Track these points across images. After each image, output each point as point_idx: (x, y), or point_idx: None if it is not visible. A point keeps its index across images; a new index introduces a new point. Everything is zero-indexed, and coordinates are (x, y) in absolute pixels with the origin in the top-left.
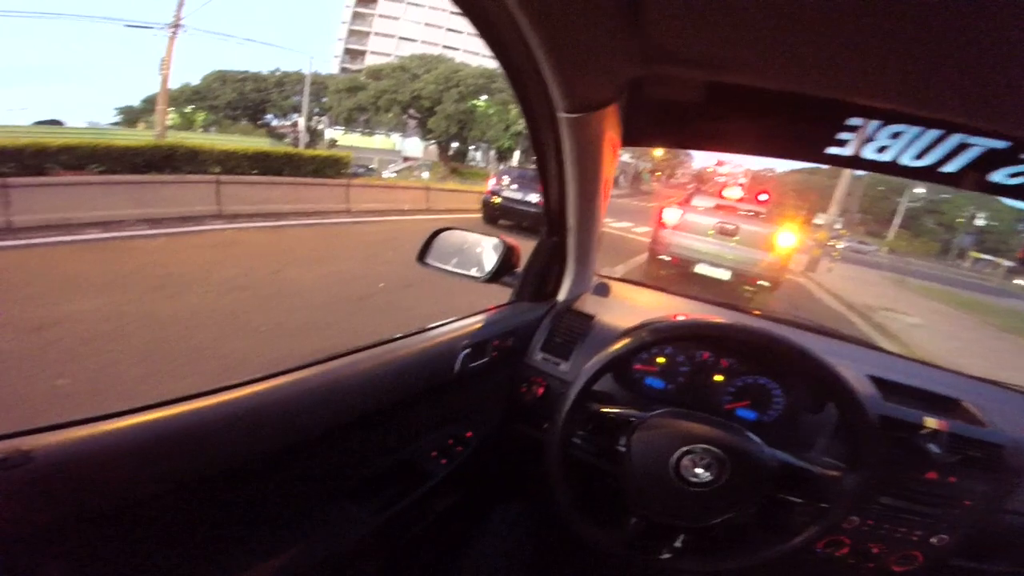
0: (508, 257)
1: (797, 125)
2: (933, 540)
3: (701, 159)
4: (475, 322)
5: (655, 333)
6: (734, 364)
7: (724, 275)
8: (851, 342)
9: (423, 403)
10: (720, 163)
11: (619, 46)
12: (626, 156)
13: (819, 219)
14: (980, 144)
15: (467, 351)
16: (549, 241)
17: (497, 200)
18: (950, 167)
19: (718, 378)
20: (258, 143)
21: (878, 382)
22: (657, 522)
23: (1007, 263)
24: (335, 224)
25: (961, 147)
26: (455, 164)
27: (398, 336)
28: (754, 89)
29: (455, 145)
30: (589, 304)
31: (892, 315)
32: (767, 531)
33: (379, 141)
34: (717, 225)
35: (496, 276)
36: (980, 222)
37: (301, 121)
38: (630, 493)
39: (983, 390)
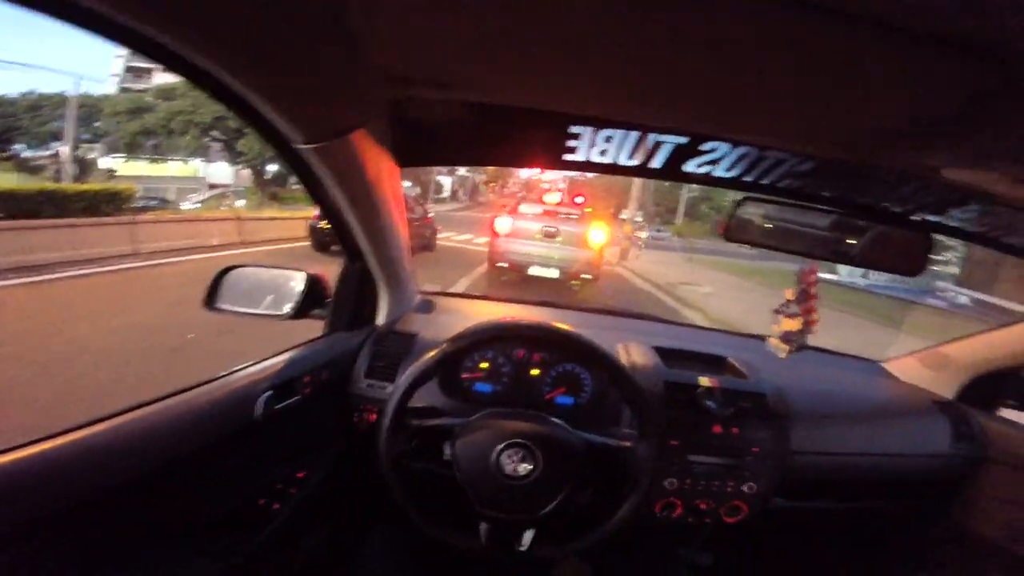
0: (314, 289)
1: (536, 137)
2: (745, 488)
3: (526, 169)
4: (280, 362)
5: (453, 343)
6: (546, 356)
7: (554, 274)
8: (643, 319)
9: (226, 453)
10: (542, 171)
11: (346, 74)
12: (463, 170)
13: (624, 214)
14: (670, 141)
15: (269, 393)
16: (353, 267)
17: (327, 225)
18: (655, 163)
19: (535, 372)
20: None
21: (663, 352)
22: (501, 519)
23: None
24: (124, 269)
25: (657, 145)
26: (275, 189)
27: (191, 386)
28: (496, 106)
29: (273, 168)
30: (412, 323)
31: (689, 288)
32: (604, 507)
33: (176, 168)
34: (542, 229)
35: (302, 311)
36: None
37: (64, 150)
38: (467, 496)
39: (750, 345)
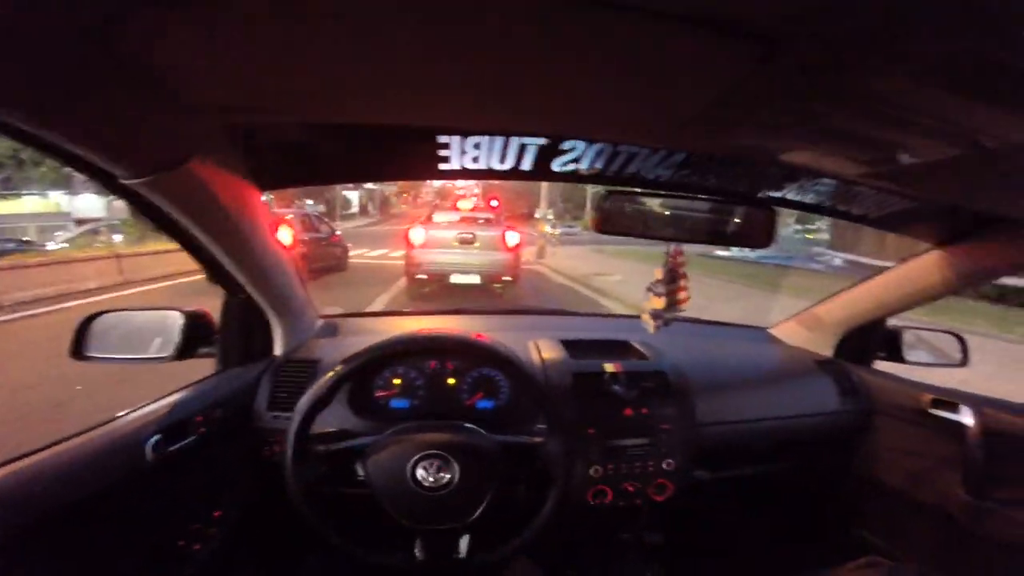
0: (195, 327)
1: (404, 150)
2: (664, 465)
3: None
4: (167, 404)
5: (347, 364)
6: (459, 364)
7: (475, 279)
8: (553, 314)
9: (120, 499)
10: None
11: (162, 108)
12: (371, 184)
13: (537, 214)
14: (532, 143)
15: (158, 436)
16: (234, 300)
17: None
18: (525, 165)
19: (451, 380)
20: None
21: (570, 343)
22: (431, 530)
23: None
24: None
25: (523, 147)
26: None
27: (69, 436)
28: (355, 125)
29: None
30: (314, 349)
31: (602, 278)
32: (533, 505)
33: (34, 204)
34: (458, 236)
35: (186, 351)
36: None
37: None
38: (389, 513)
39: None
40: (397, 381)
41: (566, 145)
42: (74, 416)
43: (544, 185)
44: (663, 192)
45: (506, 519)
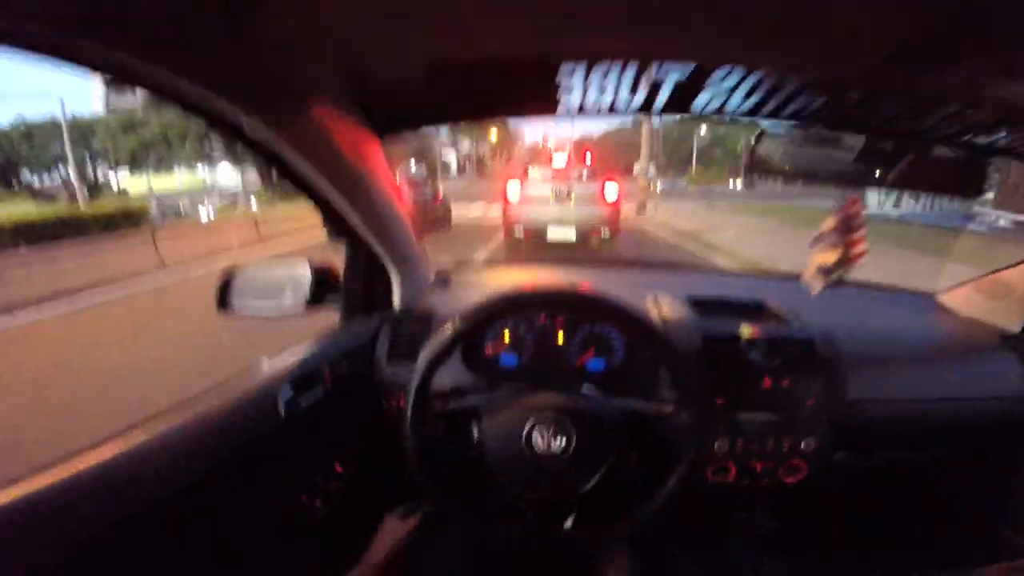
0: (323, 277)
1: (523, 84)
2: (803, 445)
3: (531, 134)
4: (296, 356)
5: (464, 319)
6: (570, 319)
7: (571, 234)
8: (671, 268)
9: (256, 454)
10: (546, 137)
11: (282, 45)
12: (466, 145)
13: (636, 169)
14: (675, 71)
15: (290, 392)
16: (355, 252)
17: None
18: (661, 98)
19: (561, 336)
20: (16, 210)
21: (696, 302)
22: (541, 500)
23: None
24: (155, 287)
25: (661, 77)
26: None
27: (206, 390)
28: (472, 61)
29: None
30: (430, 301)
31: (712, 234)
32: (650, 479)
33: (185, 179)
34: (553, 190)
35: (315, 301)
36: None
37: (71, 173)
38: (500, 479)
39: (788, 286)
40: (507, 336)
41: (718, 75)
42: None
43: (644, 138)
44: (836, 132)
45: (619, 493)
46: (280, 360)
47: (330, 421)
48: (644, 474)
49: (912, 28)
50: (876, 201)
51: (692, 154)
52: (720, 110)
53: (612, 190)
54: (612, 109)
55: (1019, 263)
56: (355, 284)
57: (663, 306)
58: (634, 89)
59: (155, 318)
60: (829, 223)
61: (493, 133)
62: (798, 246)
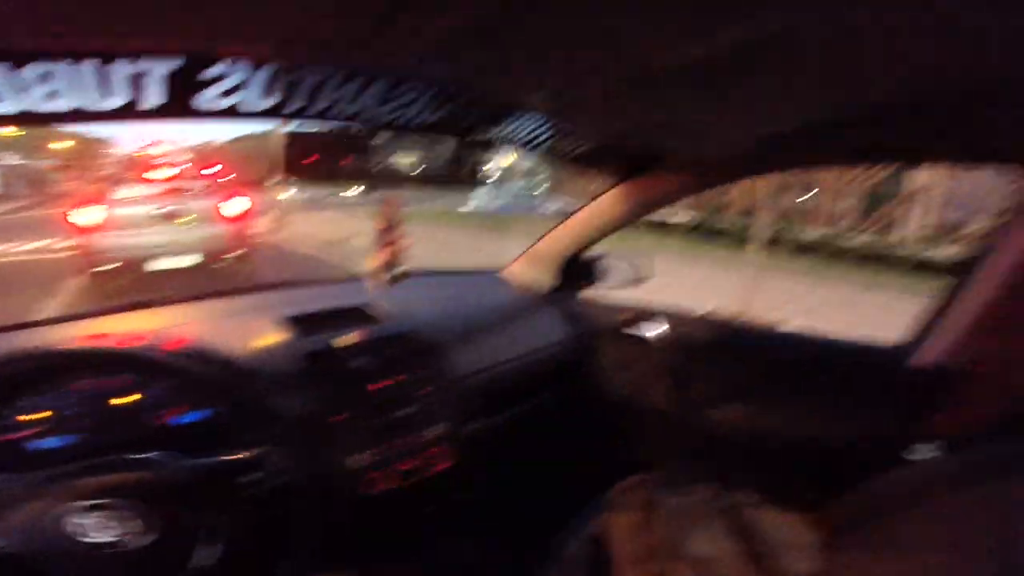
0: None
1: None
2: (437, 431)
3: (128, 142)
4: None
5: None
6: (135, 377)
7: (189, 261)
8: (270, 288)
9: None
10: (155, 143)
11: None
12: (16, 159)
13: (270, 179)
14: (157, 69)
15: None
16: None
17: None
18: (144, 102)
19: (125, 400)
20: None
21: (296, 320)
22: None
23: None
24: None
25: (138, 77)
26: None
27: None
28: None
29: None
30: None
31: (340, 243)
32: (286, 529)
33: None
34: (156, 211)
35: None
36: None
37: None
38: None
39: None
40: (45, 414)
41: (216, 70)
42: None
43: (273, 145)
44: (360, 130)
45: (256, 555)
46: None
47: None
48: (276, 525)
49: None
50: (485, 196)
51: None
52: (230, 113)
53: (236, 205)
54: (74, 116)
55: (543, 235)
56: None
57: (262, 331)
58: (104, 92)
59: None
60: (378, 224)
61: (61, 141)
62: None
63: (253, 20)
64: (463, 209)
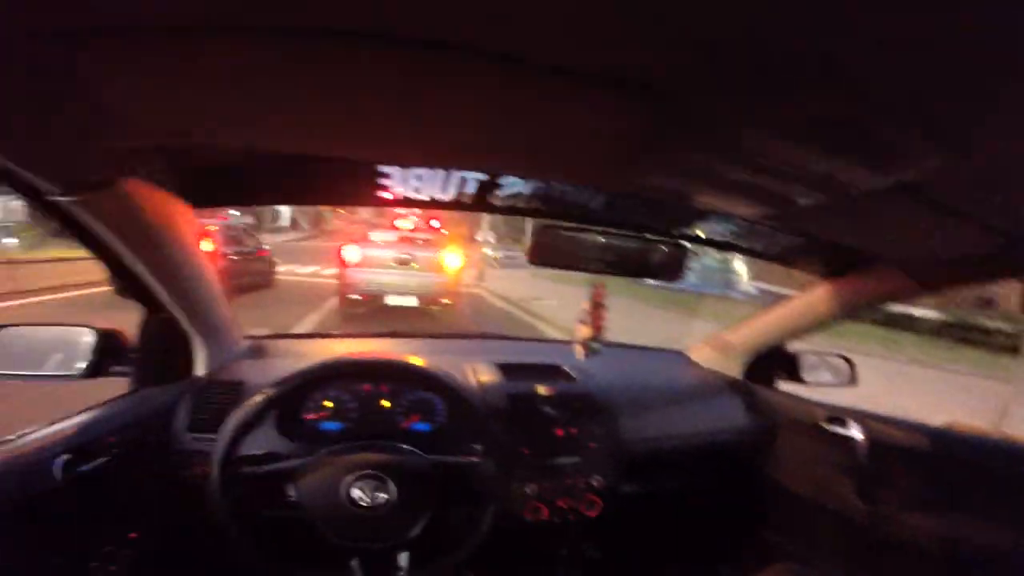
0: (108, 344)
1: (344, 177)
2: (594, 482)
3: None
4: (78, 423)
5: (279, 387)
6: (394, 386)
7: (412, 302)
8: (488, 338)
9: (26, 523)
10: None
11: (99, 127)
12: None
13: (479, 236)
14: (472, 177)
15: (67, 457)
16: (154, 318)
17: None
18: (466, 197)
19: (386, 403)
20: None
21: (505, 367)
22: (367, 549)
23: None
24: None
25: (463, 181)
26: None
27: None
28: (295, 149)
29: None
30: (238, 371)
31: (539, 302)
32: (471, 523)
33: None
34: (395, 257)
35: (98, 369)
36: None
37: None
38: (323, 534)
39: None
40: (329, 404)
41: (503, 181)
42: None
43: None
44: (590, 227)
45: (444, 537)
46: (59, 427)
47: (118, 490)
48: (465, 518)
49: (617, 145)
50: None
51: (527, 226)
52: (513, 209)
53: (454, 259)
54: (427, 203)
55: (741, 322)
56: (150, 351)
57: (478, 372)
58: (443, 189)
59: None
60: (585, 305)
61: None
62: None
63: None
64: (651, 282)
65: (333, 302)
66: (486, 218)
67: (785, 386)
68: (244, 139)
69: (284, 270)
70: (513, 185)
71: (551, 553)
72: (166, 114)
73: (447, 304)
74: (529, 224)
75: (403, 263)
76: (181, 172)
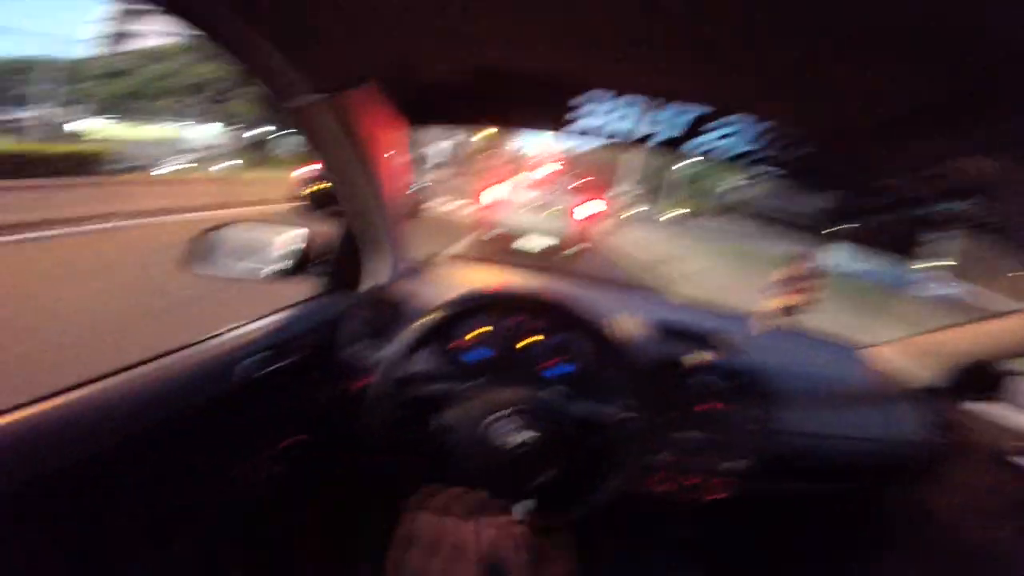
0: (304, 248)
1: (547, 100)
2: (730, 465)
3: (518, 139)
4: (263, 326)
5: (449, 308)
6: (542, 325)
7: (540, 245)
8: (637, 290)
9: (205, 422)
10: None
11: (354, 22)
12: (462, 136)
13: (613, 191)
14: (689, 113)
15: (252, 359)
16: (346, 229)
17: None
18: (671, 134)
19: (530, 340)
20: None
21: (660, 326)
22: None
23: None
24: (107, 229)
25: (675, 117)
26: (268, 151)
27: (164, 353)
28: (506, 68)
29: (261, 131)
30: (402, 289)
31: (679, 263)
32: (597, 478)
33: (158, 131)
34: (534, 200)
35: (296, 270)
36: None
37: (42, 112)
38: (458, 466)
39: (736, 323)
40: (476, 333)
41: (724, 121)
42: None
43: (625, 163)
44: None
45: (568, 491)
46: (246, 329)
47: (286, 396)
48: (594, 472)
49: (898, 103)
50: (843, 256)
51: (665, 185)
52: (707, 154)
53: (588, 208)
54: (612, 135)
55: (941, 328)
56: (335, 261)
57: (624, 324)
58: (640, 122)
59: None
60: (780, 274)
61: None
62: (750, 286)
63: None
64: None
65: (470, 238)
66: (624, 174)
67: (987, 407)
68: (471, 54)
69: (431, 205)
70: (732, 127)
71: (661, 528)
72: (396, 24)
73: (581, 249)
74: (673, 181)
75: (542, 206)
76: (406, 86)
